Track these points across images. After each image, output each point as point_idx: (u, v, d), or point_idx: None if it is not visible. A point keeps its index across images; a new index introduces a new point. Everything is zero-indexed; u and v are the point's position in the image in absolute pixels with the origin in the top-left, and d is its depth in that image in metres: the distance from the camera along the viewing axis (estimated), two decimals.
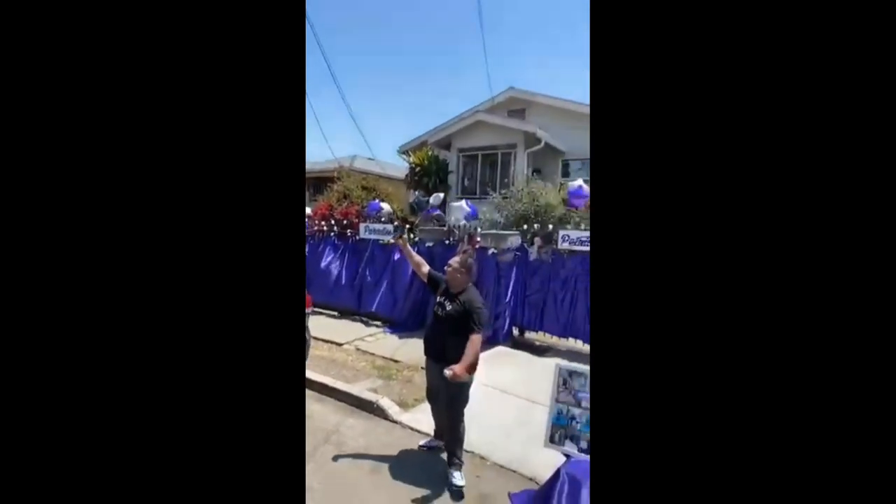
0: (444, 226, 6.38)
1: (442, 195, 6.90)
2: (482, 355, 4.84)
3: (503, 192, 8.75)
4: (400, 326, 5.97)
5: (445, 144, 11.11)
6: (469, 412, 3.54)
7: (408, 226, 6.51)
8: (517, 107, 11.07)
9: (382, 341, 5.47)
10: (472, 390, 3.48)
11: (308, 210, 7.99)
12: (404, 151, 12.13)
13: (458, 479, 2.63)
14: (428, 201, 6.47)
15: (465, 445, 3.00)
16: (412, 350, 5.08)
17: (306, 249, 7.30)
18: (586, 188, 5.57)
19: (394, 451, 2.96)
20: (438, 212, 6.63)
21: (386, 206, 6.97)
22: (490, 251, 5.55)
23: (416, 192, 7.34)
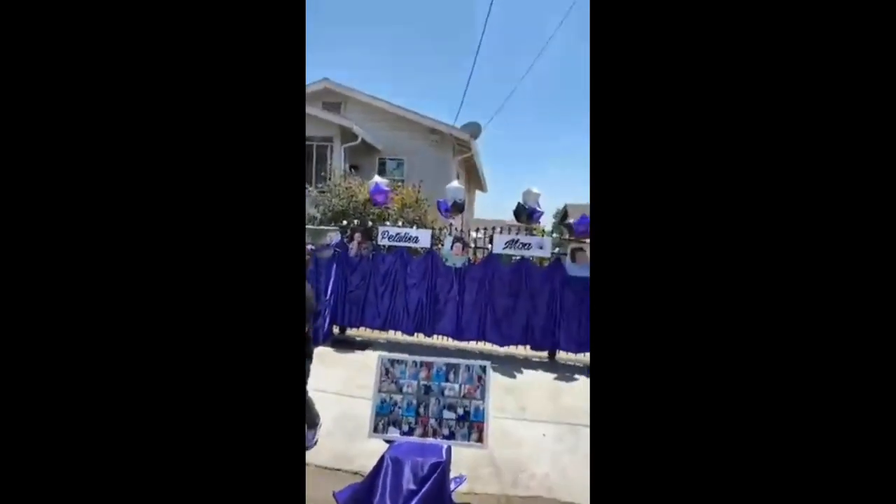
0: None
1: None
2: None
3: (320, 185, 8.42)
4: None
5: None
6: None
7: None
8: (332, 100, 10.78)
9: None
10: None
11: None
12: None
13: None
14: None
15: None
16: None
17: None
18: (384, 184, 5.86)
19: None
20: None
21: None
22: (309, 247, 5.26)
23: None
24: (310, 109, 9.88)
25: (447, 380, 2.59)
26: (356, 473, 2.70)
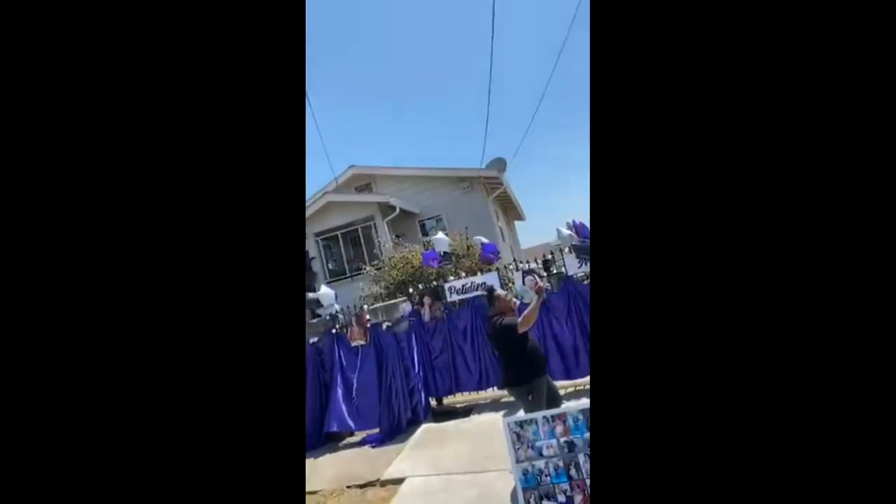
0: (319, 316, 5.80)
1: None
2: (410, 443, 4.37)
3: (374, 263, 8.59)
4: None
5: None
6: None
7: None
8: (362, 182, 11.33)
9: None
10: (419, 486, 2.96)
11: None
12: None
13: None
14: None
15: None
16: (329, 470, 4.24)
17: None
18: (432, 250, 5.84)
19: None
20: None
21: None
22: (384, 325, 5.20)
23: None
24: (346, 196, 10.41)
25: (589, 429, 2.25)
26: None
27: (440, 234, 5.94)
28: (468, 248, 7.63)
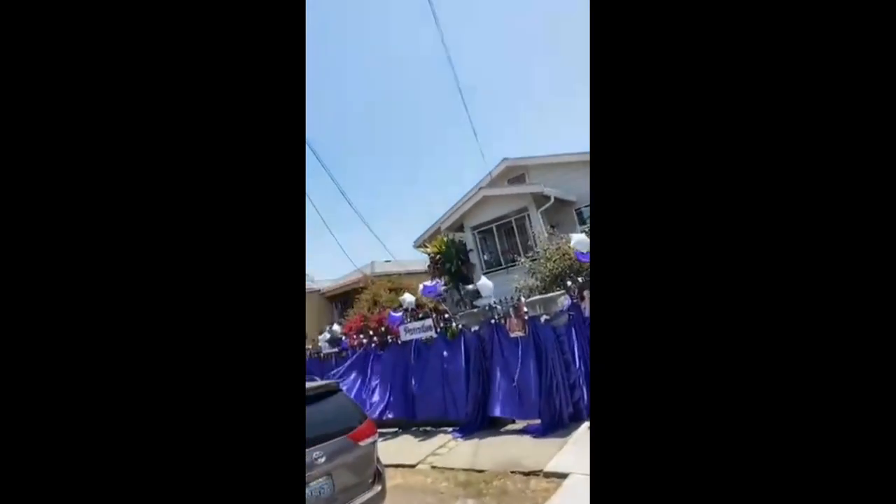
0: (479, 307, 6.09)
1: (412, 298, 6.77)
2: (573, 439, 4.27)
3: (529, 255, 8.59)
4: (466, 428, 5.39)
5: (458, 227, 11.29)
6: None
7: (447, 315, 6.25)
8: (515, 175, 11.41)
9: (456, 450, 4.89)
10: (580, 483, 2.87)
11: (337, 327, 7.86)
12: (420, 244, 12.33)
13: None
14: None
15: None
16: (492, 452, 4.49)
17: (349, 367, 7.00)
18: (583, 246, 5.33)
19: None
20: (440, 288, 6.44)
21: (408, 297, 6.78)
22: (542, 318, 5.19)
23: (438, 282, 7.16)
24: (499, 190, 10.66)
25: None
26: None
27: (581, 235, 5.55)
28: None
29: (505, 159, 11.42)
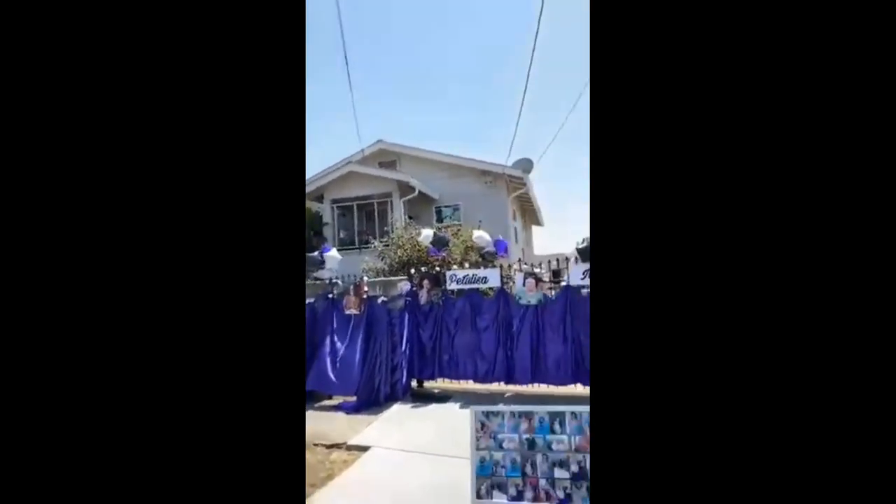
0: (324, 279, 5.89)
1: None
2: (384, 417, 4.44)
3: (383, 240, 8.67)
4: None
5: (317, 196, 10.69)
6: (377, 484, 3.09)
7: None
8: (388, 159, 11.37)
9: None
10: (382, 456, 2.99)
11: None
12: None
13: None
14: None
15: None
16: None
17: None
18: (435, 248, 5.93)
19: None
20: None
21: None
22: (380, 299, 5.27)
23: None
24: (368, 169, 10.46)
25: (553, 431, 2.27)
26: None
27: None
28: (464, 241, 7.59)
29: (380, 141, 11.29)
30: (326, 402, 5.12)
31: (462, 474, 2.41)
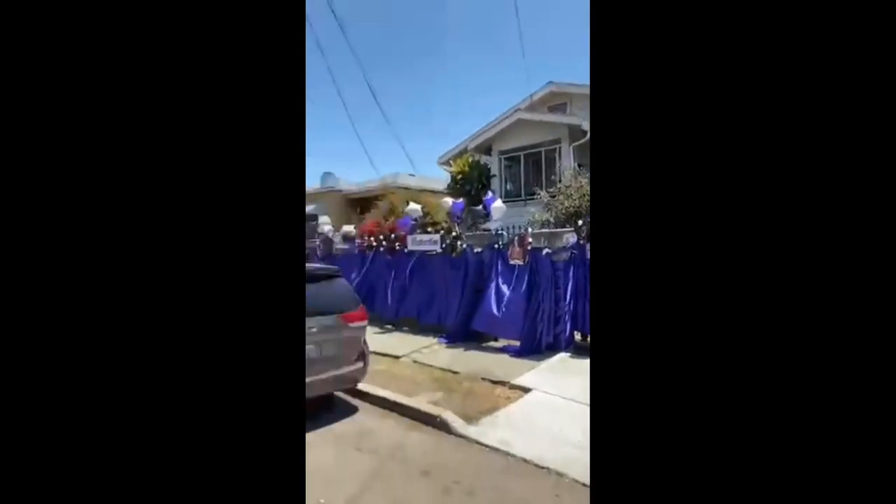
0: (488, 230, 6.19)
1: (418, 207, 6.82)
2: (545, 364, 4.62)
3: (550, 190, 8.45)
4: (452, 336, 5.84)
5: (486, 149, 10.97)
6: (538, 424, 3.32)
7: (453, 234, 6.40)
8: (558, 101, 10.73)
9: (439, 353, 5.36)
10: (541, 399, 3.13)
11: (351, 227, 8.20)
12: (445, 161, 12.12)
13: None
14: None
15: (537, 460, 2.78)
16: (469, 360, 4.92)
17: (362, 263, 7.43)
18: None
19: (464, 469, 2.79)
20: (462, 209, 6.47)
21: (414, 206, 6.91)
22: (544, 251, 5.29)
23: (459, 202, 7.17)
24: (536, 115, 10.12)
25: None
26: None
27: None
28: None
29: (551, 82, 10.66)
30: (492, 344, 5.60)
31: None
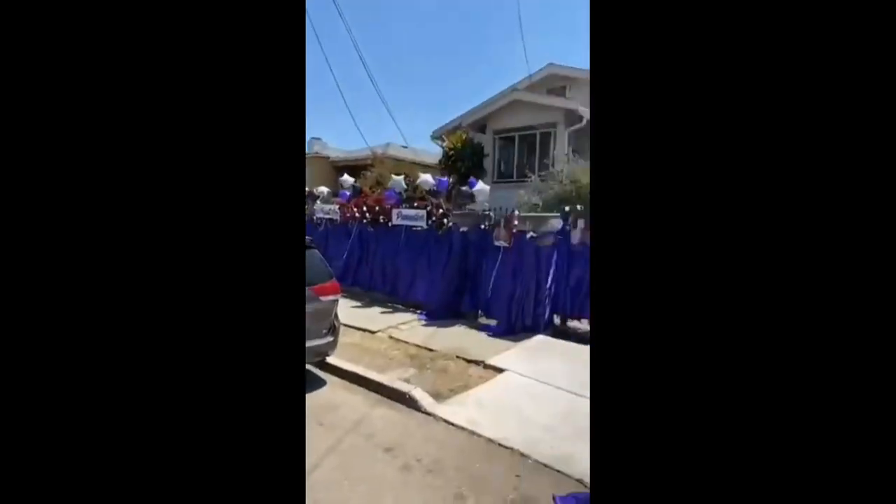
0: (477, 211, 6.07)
1: (401, 179, 6.79)
2: (522, 345, 4.61)
3: (542, 174, 8.32)
4: (432, 313, 5.78)
5: (481, 127, 10.74)
6: (507, 405, 3.30)
7: (441, 210, 6.27)
8: (557, 84, 10.50)
9: (416, 329, 5.31)
10: (514, 381, 3.10)
11: (325, 189, 8.10)
12: (438, 136, 11.86)
13: None
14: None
15: (502, 441, 2.76)
16: (446, 338, 4.88)
17: (345, 235, 7.27)
18: None
19: (427, 447, 2.76)
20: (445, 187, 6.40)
21: (398, 179, 6.78)
22: (528, 235, 5.21)
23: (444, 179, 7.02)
24: (534, 97, 9.89)
25: None
26: (579, 481, 2.42)
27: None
28: None
29: (550, 64, 10.40)
30: (472, 322, 5.57)
31: (581, 412, 2.37)
